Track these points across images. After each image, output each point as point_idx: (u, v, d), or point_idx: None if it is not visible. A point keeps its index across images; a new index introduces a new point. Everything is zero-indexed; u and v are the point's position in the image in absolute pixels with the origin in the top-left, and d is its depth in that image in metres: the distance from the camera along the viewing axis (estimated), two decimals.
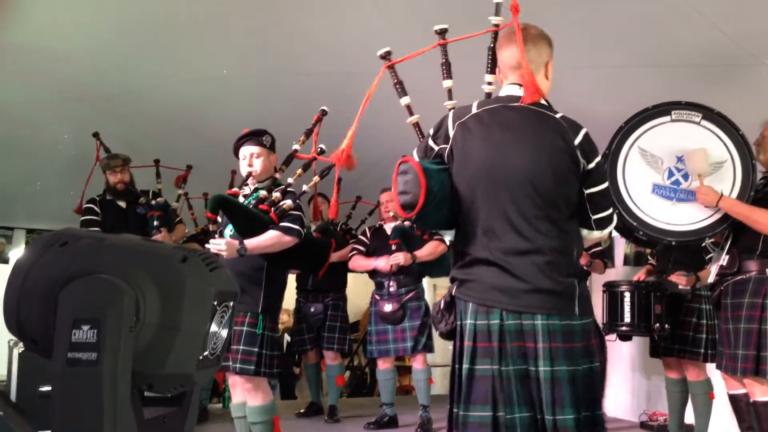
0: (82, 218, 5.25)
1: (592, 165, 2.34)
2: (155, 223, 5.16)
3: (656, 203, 3.83)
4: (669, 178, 3.85)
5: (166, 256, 1.41)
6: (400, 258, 5.24)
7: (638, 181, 3.82)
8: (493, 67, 2.70)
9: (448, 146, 2.44)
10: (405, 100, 3.07)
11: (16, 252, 7.91)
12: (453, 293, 2.46)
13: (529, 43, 2.44)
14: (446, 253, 5.46)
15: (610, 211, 2.45)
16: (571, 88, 4.46)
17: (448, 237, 2.54)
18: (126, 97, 5.31)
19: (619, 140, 3.85)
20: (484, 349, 2.30)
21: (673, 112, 3.91)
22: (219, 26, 4.43)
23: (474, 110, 2.46)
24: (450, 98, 2.93)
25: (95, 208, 5.29)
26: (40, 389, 1.67)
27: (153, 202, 5.32)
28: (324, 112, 4.00)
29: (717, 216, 3.75)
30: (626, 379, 6.43)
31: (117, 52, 4.69)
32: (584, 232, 2.45)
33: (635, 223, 3.79)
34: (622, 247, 6.56)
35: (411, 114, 3.07)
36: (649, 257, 5.50)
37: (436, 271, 5.77)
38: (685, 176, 3.81)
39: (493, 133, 2.38)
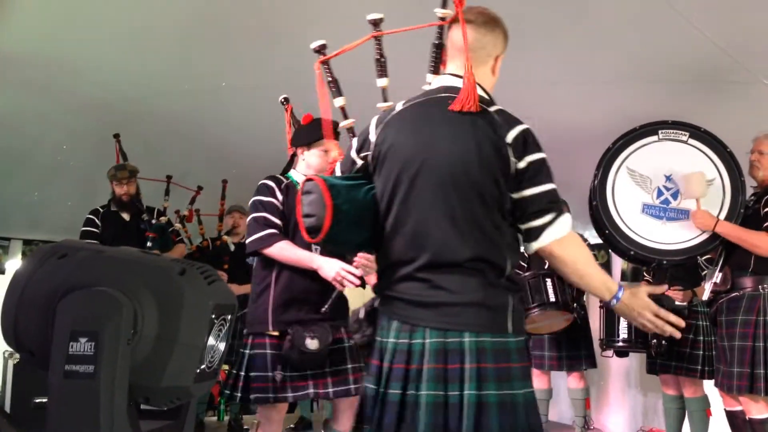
0: (82, 229, 5.25)
1: (523, 164, 2.05)
2: (148, 244, 5.13)
3: (646, 223, 3.85)
4: (658, 197, 3.87)
5: (165, 268, 1.41)
6: None
7: (628, 202, 3.84)
8: (436, 66, 2.41)
9: (371, 153, 2.19)
10: (339, 101, 2.81)
11: (13, 263, 7.87)
12: (375, 305, 2.22)
13: (486, 27, 2.19)
14: None
15: (552, 216, 2.14)
16: (566, 101, 4.48)
17: None
18: (125, 108, 5.31)
19: (608, 161, 3.86)
20: (398, 371, 2.04)
21: (660, 132, 3.92)
22: (219, 38, 4.44)
23: (398, 108, 2.21)
24: (385, 99, 2.65)
25: (96, 220, 5.28)
26: (34, 401, 1.66)
27: (154, 221, 5.31)
28: None
29: (707, 234, 3.77)
30: (622, 396, 6.41)
31: (116, 63, 4.68)
32: (525, 242, 2.19)
33: (626, 244, 3.80)
34: (619, 263, 6.56)
35: (345, 117, 2.80)
36: (645, 274, 5.51)
37: None
38: (675, 195, 3.83)
39: (417, 129, 2.13)
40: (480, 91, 2.15)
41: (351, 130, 2.74)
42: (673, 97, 4.47)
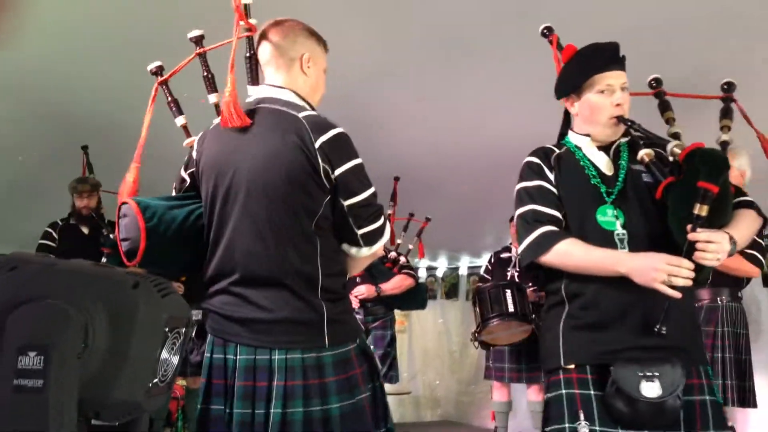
0: (38, 242, 5.21)
1: (339, 171, 2.01)
2: (104, 260, 5.07)
3: None
4: None
5: (118, 281, 1.40)
6: (362, 290, 5.25)
7: None
8: (254, 77, 2.38)
9: (195, 169, 2.20)
10: (180, 120, 2.77)
11: None
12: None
13: (279, 35, 2.18)
14: (415, 288, 5.49)
15: (379, 223, 2.10)
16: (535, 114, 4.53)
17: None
18: (89, 122, 5.23)
19: None
20: (218, 387, 2.02)
21: None
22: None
23: (215, 122, 2.22)
24: (218, 114, 2.53)
25: (53, 233, 5.24)
26: None
27: (112, 236, 5.25)
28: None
29: None
30: None
31: (82, 74, 4.62)
32: (352, 250, 2.12)
33: None
34: None
35: (188, 135, 2.72)
36: None
37: (405, 305, 5.79)
38: None
39: (229, 142, 2.10)
40: (292, 97, 2.14)
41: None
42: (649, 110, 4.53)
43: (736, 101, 2.82)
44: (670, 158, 2.23)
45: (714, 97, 2.81)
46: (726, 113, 2.79)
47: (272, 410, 1.93)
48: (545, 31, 2.66)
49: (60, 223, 5.33)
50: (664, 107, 2.75)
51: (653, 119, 2.62)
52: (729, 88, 2.81)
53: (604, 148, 2.32)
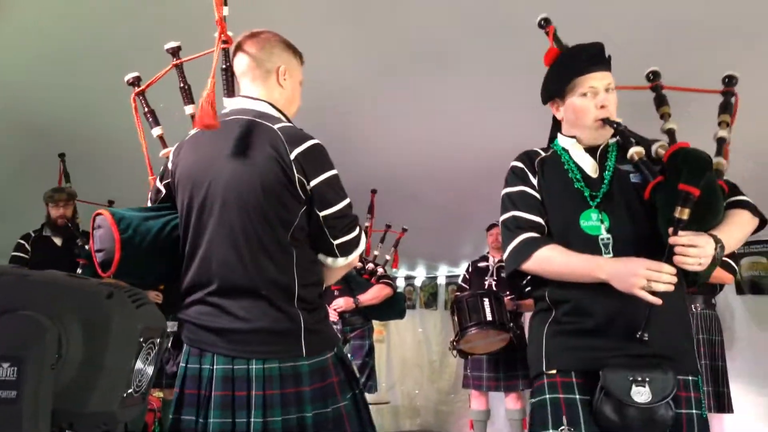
0: (11, 254, 5.16)
1: (315, 182, 2.02)
2: (79, 271, 5.03)
3: None
4: None
5: (92, 292, 1.39)
6: (341, 303, 5.25)
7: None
8: (229, 89, 2.40)
9: (170, 180, 2.21)
10: (157, 131, 2.78)
11: None
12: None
13: (255, 47, 2.19)
14: (394, 297, 5.50)
15: (355, 234, 2.12)
16: (507, 124, 4.57)
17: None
18: (61, 128, 5.18)
19: None
20: (190, 397, 2.01)
21: None
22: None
23: (191, 133, 2.23)
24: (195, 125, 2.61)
25: (26, 245, 5.20)
26: None
27: (87, 246, 5.22)
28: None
29: None
30: None
31: (50, 78, 4.58)
32: (328, 260, 2.13)
33: None
34: None
35: (165, 146, 2.73)
36: None
37: (384, 315, 5.79)
38: None
39: (204, 153, 2.11)
40: (268, 108, 2.15)
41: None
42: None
43: (737, 96, 2.70)
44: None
45: (714, 92, 2.72)
46: (725, 108, 2.66)
47: (252, 419, 1.93)
48: (542, 22, 2.51)
49: (33, 234, 5.29)
50: (660, 102, 2.69)
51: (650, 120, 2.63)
52: (730, 81, 2.70)
53: (592, 150, 2.25)
